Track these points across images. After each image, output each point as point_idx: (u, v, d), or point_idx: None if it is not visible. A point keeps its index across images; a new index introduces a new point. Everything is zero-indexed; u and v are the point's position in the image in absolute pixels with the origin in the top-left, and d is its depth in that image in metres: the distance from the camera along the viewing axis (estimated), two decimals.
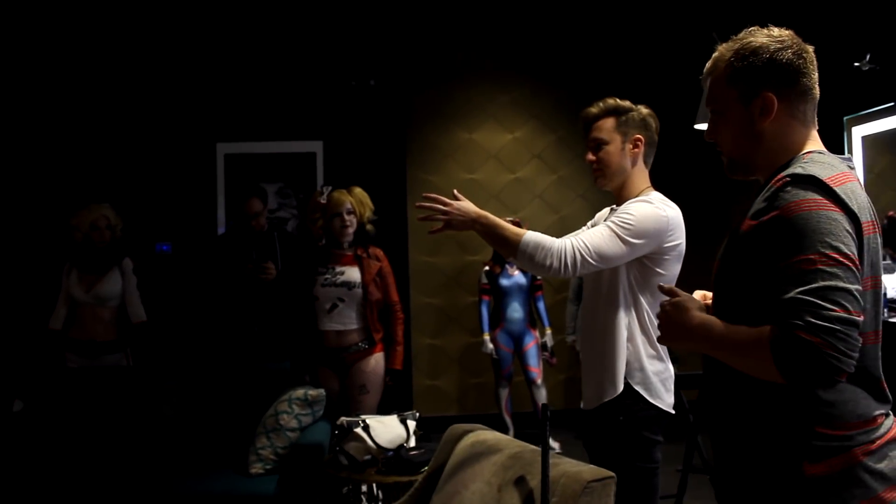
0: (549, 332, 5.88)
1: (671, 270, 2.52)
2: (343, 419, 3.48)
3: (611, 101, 2.62)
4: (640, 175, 2.64)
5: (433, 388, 6.54)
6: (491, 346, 5.77)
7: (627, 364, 2.49)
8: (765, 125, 1.63)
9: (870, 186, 5.20)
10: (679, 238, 2.51)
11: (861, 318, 1.41)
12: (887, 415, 1.54)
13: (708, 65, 1.72)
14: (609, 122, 2.60)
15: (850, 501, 1.45)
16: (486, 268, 5.83)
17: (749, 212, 1.59)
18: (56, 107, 5.99)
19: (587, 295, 2.67)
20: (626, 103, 2.62)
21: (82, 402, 4.15)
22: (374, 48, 6.32)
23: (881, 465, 1.47)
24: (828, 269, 1.40)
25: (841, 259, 1.41)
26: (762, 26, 1.67)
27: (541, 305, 5.86)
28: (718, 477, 1.70)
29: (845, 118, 5.27)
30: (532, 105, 6.68)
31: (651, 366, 2.50)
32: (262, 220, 4.81)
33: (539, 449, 2.25)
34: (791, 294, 1.41)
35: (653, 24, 6.50)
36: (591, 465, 2.24)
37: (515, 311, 5.73)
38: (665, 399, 2.53)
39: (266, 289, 4.65)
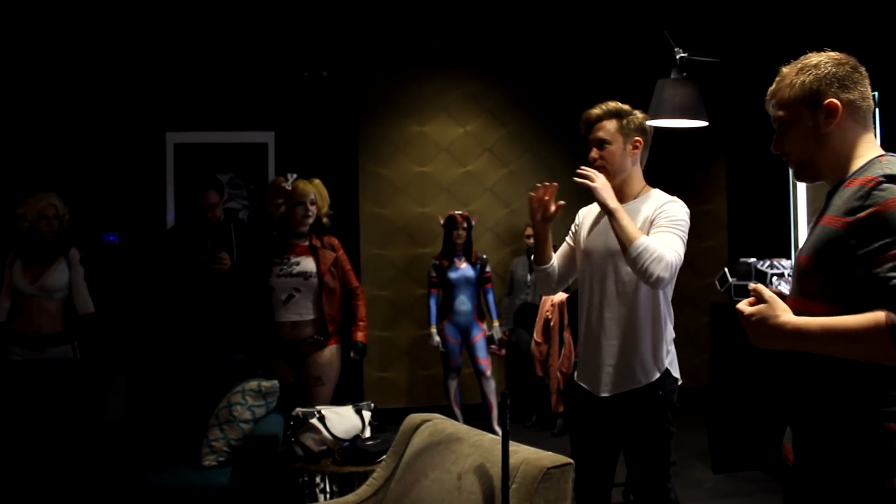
0: (496, 324, 5.97)
1: None
2: (298, 410, 3.48)
3: (612, 105, 2.83)
4: (637, 174, 2.86)
5: (383, 379, 6.55)
6: (437, 338, 5.82)
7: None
8: (830, 129, 1.81)
9: None
10: None
11: None
12: None
13: (771, 87, 1.90)
14: (612, 124, 2.81)
15: None
16: (435, 261, 5.88)
17: (835, 210, 1.76)
18: None
19: (600, 286, 2.79)
20: (627, 107, 2.83)
21: (27, 397, 4.05)
22: (327, 39, 6.28)
23: None
24: None
25: None
26: (819, 50, 1.87)
27: (490, 298, 5.93)
28: (799, 460, 1.84)
29: None
30: (484, 99, 6.72)
31: (672, 346, 2.78)
32: (217, 212, 4.76)
33: (497, 437, 2.30)
34: None
35: (603, 20, 6.59)
36: (550, 453, 2.29)
37: (463, 303, 5.80)
38: (679, 374, 2.82)
39: (220, 280, 4.61)
